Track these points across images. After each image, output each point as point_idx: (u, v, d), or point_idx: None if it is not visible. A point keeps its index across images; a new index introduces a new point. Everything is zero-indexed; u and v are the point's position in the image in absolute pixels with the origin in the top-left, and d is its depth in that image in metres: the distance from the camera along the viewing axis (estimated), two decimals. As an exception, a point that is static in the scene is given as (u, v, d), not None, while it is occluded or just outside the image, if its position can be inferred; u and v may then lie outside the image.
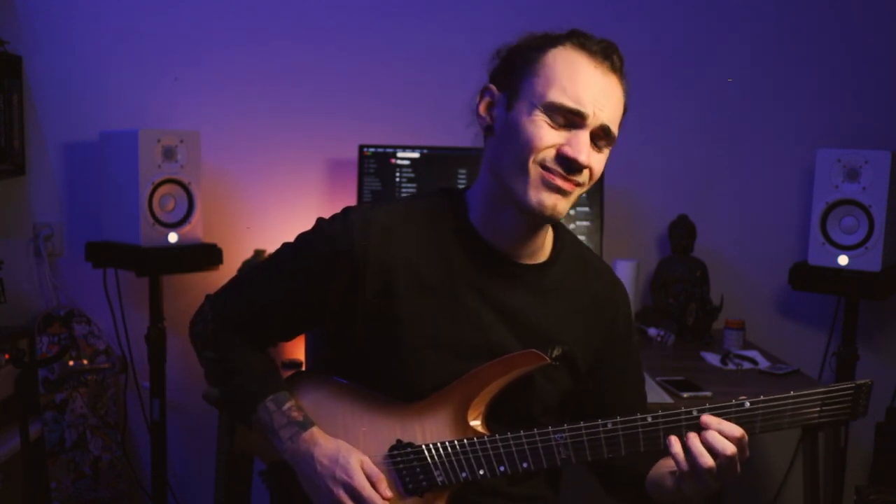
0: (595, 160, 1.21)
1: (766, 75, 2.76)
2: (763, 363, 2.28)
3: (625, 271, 2.55)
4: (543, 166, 1.18)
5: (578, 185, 1.20)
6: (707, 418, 1.15)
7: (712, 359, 2.31)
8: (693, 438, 1.14)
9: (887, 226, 2.39)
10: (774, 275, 2.74)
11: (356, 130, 2.69)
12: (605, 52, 1.20)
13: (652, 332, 2.51)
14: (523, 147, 1.18)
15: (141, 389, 2.72)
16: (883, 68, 2.75)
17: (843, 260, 2.43)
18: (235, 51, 2.69)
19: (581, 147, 1.17)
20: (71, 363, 2.57)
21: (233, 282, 1.40)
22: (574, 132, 1.18)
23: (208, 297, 1.40)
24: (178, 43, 2.68)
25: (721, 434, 1.14)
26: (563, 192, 1.19)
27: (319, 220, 1.31)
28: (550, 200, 1.19)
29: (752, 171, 2.80)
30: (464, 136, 2.79)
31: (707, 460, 1.13)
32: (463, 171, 2.56)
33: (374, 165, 2.56)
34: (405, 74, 2.73)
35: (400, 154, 2.56)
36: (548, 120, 1.17)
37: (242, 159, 2.74)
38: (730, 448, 1.13)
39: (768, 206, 2.80)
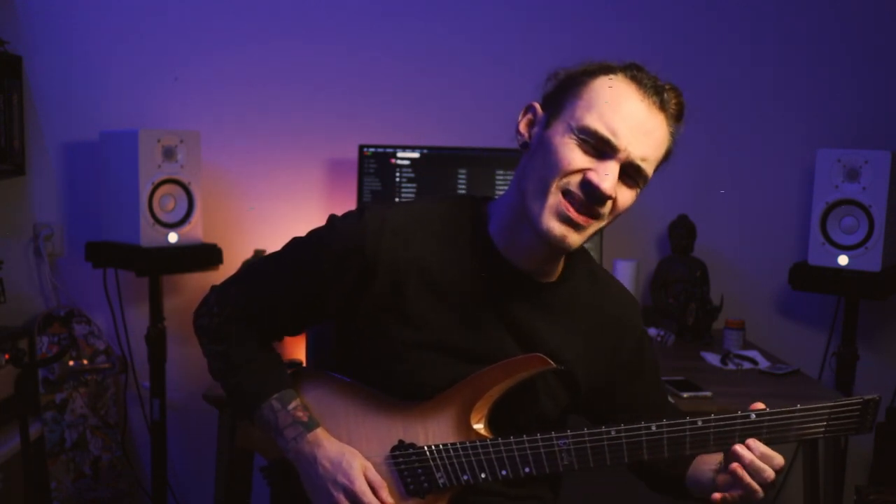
0: (622, 194, 1.17)
1: (766, 75, 2.76)
2: (763, 363, 2.28)
3: (625, 271, 2.55)
4: (566, 191, 1.15)
5: (596, 217, 1.17)
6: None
7: (712, 359, 2.31)
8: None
9: (887, 226, 2.39)
10: (774, 275, 2.74)
11: (356, 130, 2.69)
12: (657, 89, 1.17)
13: (652, 332, 2.51)
14: (550, 168, 1.15)
15: (141, 389, 2.72)
16: (883, 68, 2.75)
17: (843, 260, 2.43)
18: (235, 51, 2.69)
19: (609, 178, 1.14)
20: (71, 363, 2.57)
21: (240, 274, 1.39)
22: (603, 161, 1.15)
23: (214, 288, 1.39)
24: (178, 43, 2.68)
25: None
26: (574, 225, 1.16)
27: (332, 217, 1.30)
28: (560, 230, 1.16)
29: (752, 171, 2.79)
30: (464, 136, 2.80)
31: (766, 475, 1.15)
32: (463, 171, 2.56)
33: (374, 165, 2.56)
34: (405, 74, 2.72)
35: (400, 154, 2.56)
36: (580, 144, 1.15)
37: (242, 159, 2.74)
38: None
39: (768, 206, 2.80)
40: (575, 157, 1.15)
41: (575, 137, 1.15)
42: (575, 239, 1.18)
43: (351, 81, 2.72)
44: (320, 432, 1.27)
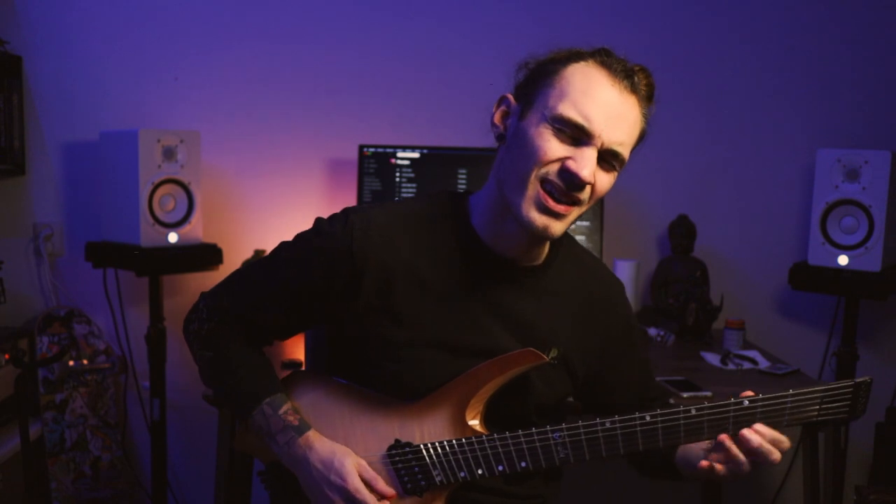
0: (601, 179, 1.19)
1: (766, 75, 2.76)
2: (763, 363, 2.28)
3: (625, 271, 2.55)
4: (545, 180, 1.17)
5: (576, 203, 1.19)
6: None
7: (712, 359, 2.31)
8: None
9: (887, 226, 2.39)
10: (774, 275, 2.74)
11: (356, 130, 2.70)
12: (627, 72, 1.18)
13: (652, 332, 2.51)
14: (528, 159, 1.17)
15: (141, 389, 2.72)
16: (883, 68, 2.75)
17: (843, 260, 2.43)
18: (235, 51, 2.70)
19: (585, 163, 1.15)
20: (71, 363, 2.57)
21: (229, 280, 1.39)
22: (581, 148, 1.16)
23: (203, 294, 1.39)
24: (178, 43, 2.68)
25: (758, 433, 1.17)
26: (555, 215, 1.18)
27: (318, 220, 1.31)
28: (542, 221, 1.18)
29: (752, 171, 2.79)
30: (464, 136, 2.80)
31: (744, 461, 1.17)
32: (463, 171, 2.56)
33: (374, 165, 2.56)
34: (405, 74, 2.73)
35: (400, 154, 2.56)
36: (555, 133, 1.16)
37: (242, 159, 2.74)
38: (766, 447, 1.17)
39: (768, 206, 2.80)
40: (552, 146, 1.16)
41: (550, 127, 1.16)
42: (557, 227, 1.19)
43: (351, 81, 2.73)
44: (311, 435, 1.27)
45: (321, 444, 1.26)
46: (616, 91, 1.17)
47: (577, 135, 1.16)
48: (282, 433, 1.27)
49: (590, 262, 1.40)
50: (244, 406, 1.30)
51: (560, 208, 1.17)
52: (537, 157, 1.16)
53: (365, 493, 1.21)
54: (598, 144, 1.16)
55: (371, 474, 1.23)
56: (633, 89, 1.19)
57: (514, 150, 1.20)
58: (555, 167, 1.16)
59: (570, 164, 1.15)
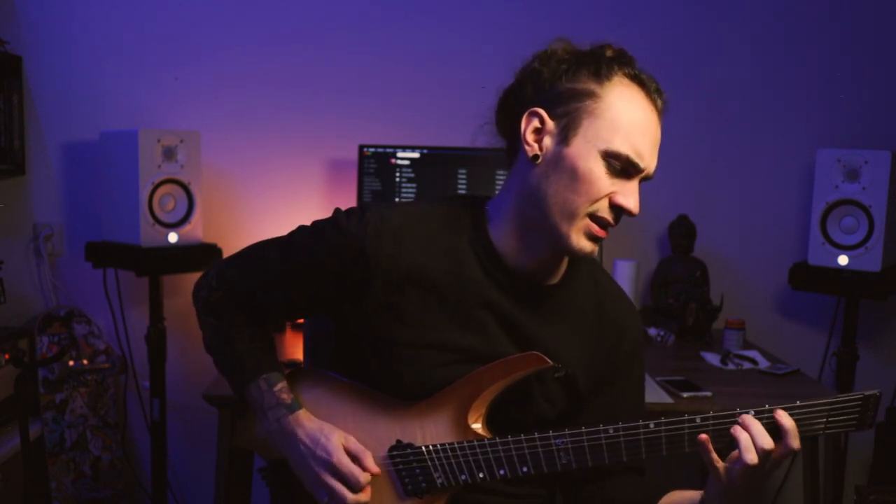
0: None
1: (766, 75, 2.76)
2: (763, 363, 2.28)
3: (625, 271, 2.55)
4: (594, 216, 1.18)
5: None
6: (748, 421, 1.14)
7: (712, 359, 2.31)
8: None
9: (887, 226, 2.39)
10: (774, 275, 2.74)
11: (356, 130, 2.69)
12: (657, 90, 1.20)
13: (652, 332, 2.51)
14: (579, 194, 1.17)
15: (141, 389, 2.72)
16: (883, 68, 2.75)
17: (843, 260, 2.43)
18: (235, 51, 2.69)
19: (633, 196, 1.18)
20: (71, 363, 2.57)
21: (243, 254, 1.38)
22: (626, 181, 1.18)
23: (217, 262, 1.40)
24: (177, 43, 2.68)
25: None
26: (600, 240, 1.22)
27: (337, 212, 1.30)
28: (589, 247, 1.21)
29: (752, 171, 2.79)
30: (464, 136, 2.79)
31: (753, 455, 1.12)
32: (463, 171, 2.56)
33: (374, 165, 2.56)
34: (405, 74, 2.73)
35: (400, 154, 2.56)
36: (606, 167, 1.17)
37: (242, 159, 2.74)
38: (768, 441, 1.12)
39: (768, 206, 2.80)
40: (604, 183, 1.17)
41: (603, 162, 1.17)
42: (597, 248, 1.24)
43: (351, 81, 2.72)
44: (302, 414, 1.27)
45: (309, 422, 1.26)
46: (655, 117, 1.19)
47: (626, 168, 1.17)
48: (273, 410, 1.28)
49: (606, 284, 1.39)
50: (242, 377, 1.31)
51: (605, 234, 1.21)
52: (590, 194, 1.17)
53: (350, 465, 1.21)
54: (643, 175, 1.19)
55: (357, 447, 1.23)
56: (662, 109, 1.21)
57: (557, 177, 1.19)
58: (605, 202, 1.18)
59: (620, 200, 1.18)
